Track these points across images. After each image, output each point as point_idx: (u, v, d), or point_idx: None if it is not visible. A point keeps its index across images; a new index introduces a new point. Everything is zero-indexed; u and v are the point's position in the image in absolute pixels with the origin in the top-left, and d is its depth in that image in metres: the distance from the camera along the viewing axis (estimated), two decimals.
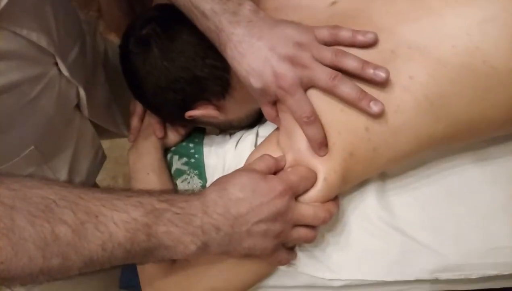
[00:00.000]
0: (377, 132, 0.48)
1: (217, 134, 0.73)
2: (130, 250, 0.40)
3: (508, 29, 0.45)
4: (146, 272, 0.58)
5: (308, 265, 0.57)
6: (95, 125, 0.76)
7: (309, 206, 0.49)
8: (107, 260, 0.40)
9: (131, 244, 0.40)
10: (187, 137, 0.73)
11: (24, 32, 0.51)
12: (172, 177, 0.70)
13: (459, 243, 0.52)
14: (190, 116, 0.62)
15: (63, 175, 0.66)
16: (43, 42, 0.54)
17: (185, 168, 0.70)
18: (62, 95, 0.61)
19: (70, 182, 0.65)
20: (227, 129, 0.71)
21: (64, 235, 0.37)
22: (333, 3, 0.52)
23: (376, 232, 0.55)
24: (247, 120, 0.67)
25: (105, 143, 1.37)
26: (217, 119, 0.64)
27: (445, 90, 0.46)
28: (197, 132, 0.73)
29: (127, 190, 0.43)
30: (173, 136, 0.71)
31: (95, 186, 0.83)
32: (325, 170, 0.49)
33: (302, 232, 0.49)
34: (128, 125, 0.77)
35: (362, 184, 0.57)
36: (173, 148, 0.73)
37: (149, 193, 0.44)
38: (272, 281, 0.58)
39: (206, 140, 0.73)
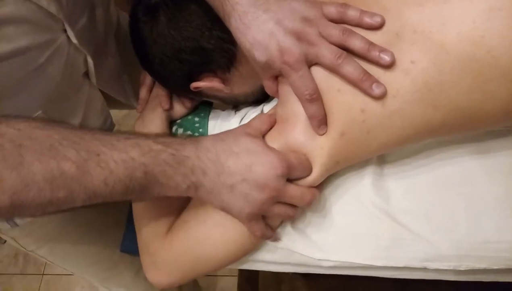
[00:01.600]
0: (373, 114, 0.47)
1: (223, 110, 0.74)
2: (129, 185, 0.43)
3: None
4: (143, 240, 0.60)
5: (300, 243, 0.57)
6: (105, 95, 0.77)
7: (297, 187, 0.49)
8: (108, 194, 0.43)
9: (129, 180, 0.43)
10: (193, 111, 0.74)
11: None
12: None
13: (450, 233, 0.52)
14: (195, 88, 0.63)
15: None
16: (53, 8, 0.55)
17: None
18: (70, 62, 0.62)
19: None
20: (233, 103, 0.71)
21: (69, 170, 0.40)
22: None
23: (369, 217, 0.55)
24: (253, 96, 0.67)
25: (123, 112, 1.39)
26: (222, 92, 0.64)
27: (445, 77, 0.45)
28: (204, 106, 0.74)
29: (126, 133, 0.46)
30: (179, 109, 0.72)
31: None
32: (312, 145, 0.49)
33: (283, 209, 0.50)
34: (137, 97, 0.78)
35: (359, 166, 0.57)
36: (178, 121, 0.73)
37: (146, 135, 0.46)
38: (266, 256, 0.59)
39: (212, 115, 0.74)
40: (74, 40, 0.61)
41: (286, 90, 0.53)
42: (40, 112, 0.59)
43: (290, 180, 0.50)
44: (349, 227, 0.56)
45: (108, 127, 0.78)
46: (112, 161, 0.42)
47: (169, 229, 0.58)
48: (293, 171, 0.48)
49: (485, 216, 0.51)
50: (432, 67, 0.45)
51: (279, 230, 0.58)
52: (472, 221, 0.51)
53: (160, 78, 0.67)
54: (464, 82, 0.45)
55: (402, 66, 0.46)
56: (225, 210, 0.50)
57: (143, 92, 0.73)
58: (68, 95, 0.64)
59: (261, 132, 0.52)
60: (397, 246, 0.53)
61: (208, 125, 0.73)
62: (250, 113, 0.69)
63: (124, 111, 1.43)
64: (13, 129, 0.39)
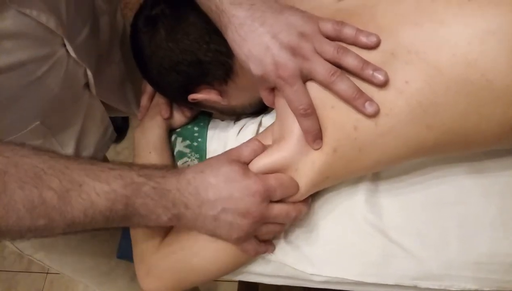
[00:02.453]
0: (365, 133, 0.47)
1: (223, 120, 0.74)
2: (109, 216, 0.44)
3: (509, 44, 0.43)
4: (138, 249, 0.61)
5: (292, 257, 0.57)
6: (106, 103, 0.77)
7: (281, 206, 0.50)
8: (88, 224, 0.43)
9: (110, 212, 0.43)
10: (192, 120, 0.74)
11: (34, 14, 0.52)
12: (174, 157, 0.72)
13: (442, 252, 0.51)
14: (192, 99, 0.63)
15: (70, 149, 0.68)
16: (52, 24, 0.55)
17: (187, 150, 0.72)
18: (69, 75, 0.62)
19: (75, 155, 0.68)
20: (231, 115, 0.71)
21: (50, 199, 0.41)
22: None
23: (361, 233, 0.55)
24: (250, 108, 0.68)
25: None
26: (220, 104, 0.65)
27: (440, 99, 0.45)
28: (204, 116, 0.74)
29: (111, 163, 0.46)
30: (178, 118, 0.72)
31: (104, 160, 0.85)
32: (304, 160, 0.50)
33: (271, 228, 0.50)
34: (139, 105, 0.79)
35: (354, 181, 0.57)
36: (178, 130, 0.74)
37: (130, 166, 0.46)
38: (257, 269, 0.59)
39: (211, 124, 0.74)
40: (73, 55, 0.61)
41: (282, 104, 0.53)
42: (38, 122, 0.60)
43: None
44: (341, 242, 0.56)
45: (109, 137, 0.78)
46: (93, 192, 0.42)
47: (164, 239, 0.59)
48: (273, 193, 0.49)
49: (478, 236, 0.51)
50: (426, 88, 0.45)
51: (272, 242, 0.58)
52: (465, 241, 0.51)
53: (158, 88, 0.68)
54: (459, 104, 0.45)
55: (396, 86, 0.46)
56: (213, 236, 0.51)
57: (144, 100, 0.74)
58: (66, 105, 0.65)
59: (245, 159, 0.51)
60: (388, 263, 0.53)
61: (207, 135, 0.73)
62: (248, 124, 0.70)
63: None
64: (1, 157, 0.40)
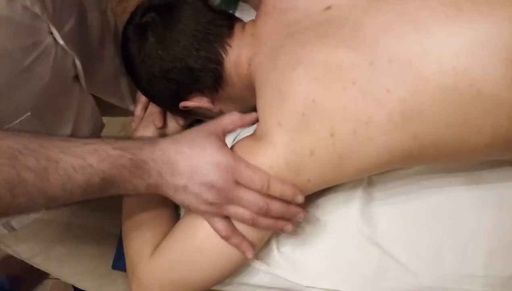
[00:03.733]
0: (343, 140, 0.47)
1: None
2: (86, 189, 0.45)
3: (499, 54, 0.42)
4: (129, 260, 0.60)
5: (287, 269, 0.56)
6: (101, 101, 0.77)
7: (249, 192, 0.48)
8: (67, 198, 0.44)
9: (87, 185, 0.44)
10: (187, 128, 0.74)
11: None
12: None
13: (436, 265, 0.50)
14: (184, 107, 0.62)
15: None
16: (37, 8, 0.55)
17: None
18: (58, 64, 0.62)
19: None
20: None
21: (28, 178, 0.42)
22: (328, 8, 0.51)
23: (355, 245, 0.54)
24: None
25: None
26: (211, 112, 0.64)
27: (425, 108, 0.44)
28: (198, 124, 0.73)
29: (85, 138, 0.47)
30: (172, 126, 0.72)
31: None
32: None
33: (239, 211, 0.50)
34: (134, 100, 0.79)
35: (349, 188, 0.56)
36: None
37: (105, 140, 0.47)
38: (252, 280, 0.58)
39: None
40: (61, 42, 0.61)
41: (261, 104, 0.53)
42: (29, 113, 0.60)
43: None
44: (335, 254, 0.55)
45: (99, 128, 0.78)
46: (70, 168, 0.43)
47: (155, 250, 0.58)
48: (239, 175, 0.48)
49: (472, 249, 0.49)
50: (410, 97, 0.44)
51: (266, 254, 0.57)
52: (459, 254, 0.50)
53: (149, 96, 0.68)
54: (445, 114, 0.44)
55: (375, 95, 0.45)
56: (185, 207, 0.51)
57: (138, 110, 0.73)
58: (57, 98, 0.65)
59: (224, 131, 0.52)
60: (382, 275, 0.52)
61: None
62: (243, 133, 0.69)
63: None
64: None
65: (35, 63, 0.58)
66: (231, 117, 0.52)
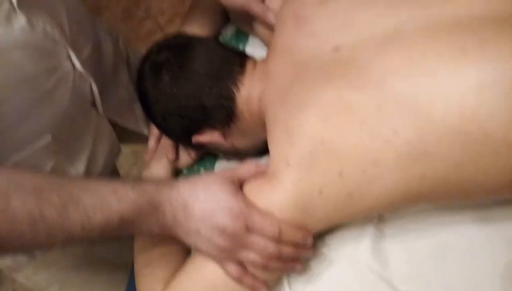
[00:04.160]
0: (352, 179, 0.47)
1: (228, 160, 0.74)
2: (104, 229, 0.46)
3: (506, 97, 0.42)
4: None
5: None
6: (117, 127, 0.79)
7: (259, 238, 0.49)
8: (85, 237, 0.46)
9: (105, 225, 0.46)
10: (199, 161, 0.75)
11: (40, 23, 0.56)
12: None
13: None
14: (196, 142, 0.64)
15: (81, 167, 0.70)
16: (56, 34, 0.58)
17: None
18: (76, 89, 0.64)
19: (85, 173, 0.71)
20: (235, 156, 0.72)
21: (50, 215, 0.43)
22: (336, 49, 0.52)
23: (366, 282, 0.53)
24: (254, 149, 0.68)
25: None
26: (223, 146, 0.65)
27: (432, 149, 0.44)
28: (210, 156, 0.75)
29: (105, 179, 0.49)
30: (185, 159, 0.73)
31: (114, 171, 0.88)
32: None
33: (251, 256, 0.50)
34: (148, 124, 0.81)
35: (360, 224, 0.56)
36: (184, 171, 0.75)
37: (124, 181, 0.49)
38: None
39: (217, 165, 0.75)
40: (79, 67, 0.64)
41: (271, 142, 0.53)
42: (49, 136, 0.62)
43: None
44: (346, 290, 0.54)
45: (115, 153, 0.80)
46: (90, 208, 0.45)
47: (165, 288, 0.58)
48: (251, 224, 0.49)
49: (486, 288, 0.48)
50: (417, 139, 0.44)
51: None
52: None
53: (164, 131, 0.69)
54: (453, 155, 0.44)
55: (383, 136, 0.46)
56: (197, 249, 0.52)
57: (151, 142, 0.75)
58: (76, 122, 0.67)
59: (239, 180, 0.53)
60: None
61: None
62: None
63: None
64: (1, 176, 0.43)
65: (55, 87, 0.61)
66: (247, 167, 0.54)
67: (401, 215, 0.55)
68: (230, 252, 0.50)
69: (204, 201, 0.49)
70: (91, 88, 0.68)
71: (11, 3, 0.53)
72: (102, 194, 0.46)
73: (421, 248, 0.52)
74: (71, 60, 0.63)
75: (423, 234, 0.53)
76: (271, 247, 0.49)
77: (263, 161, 0.69)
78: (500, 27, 0.44)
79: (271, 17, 0.65)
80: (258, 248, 0.49)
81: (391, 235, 0.55)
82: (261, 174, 0.53)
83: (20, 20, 0.54)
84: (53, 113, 0.62)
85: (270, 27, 0.67)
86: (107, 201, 0.46)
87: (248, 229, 0.49)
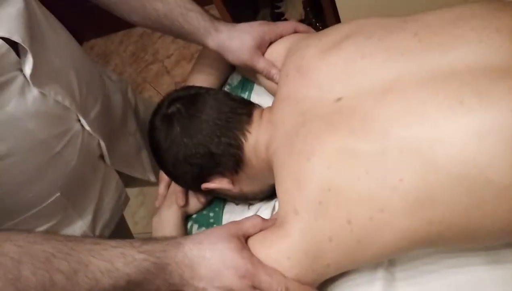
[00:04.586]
0: (360, 226, 0.48)
1: (237, 204, 0.76)
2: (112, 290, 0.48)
3: (505, 145, 0.43)
4: None
5: None
6: (120, 173, 0.81)
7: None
8: None
9: (113, 288, 0.47)
10: (208, 205, 0.77)
11: (52, 94, 0.59)
12: None
13: None
14: (205, 188, 0.66)
15: (88, 218, 0.72)
16: (67, 102, 0.62)
17: None
18: (85, 147, 0.67)
19: (92, 222, 0.72)
20: (243, 201, 0.73)
21: (60, 281, 0.45)
22: (338, 99, 0.54)
23: None
24: (261, 194, 0.70)
25: None
26: (231, 192, 0.67)
27: (438, 195, 0.45)
28: (219, 200, 0.76)
29: (114, 240, 0.50)
30: (194, 204, 0.75)
31: (121, 219, 0.88)
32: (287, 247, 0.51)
33: None
34: (156, 171, 0.83)
35: (370, 269, 0.56)
36: (194, 216, 0.76)
37: (131, 244, 0.50)
38: None
39: (226, 209, 0.76)
40: (87, 128, 0.66)
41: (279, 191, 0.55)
42: (58, 194, 0.64)
43: None
44: None
45: (123, 201, 0.81)
46: (98, 272, 0.46)
47: None
48: (258, 283, 0.50)
49: None
50: (422, 185, 0.45)
51: None
52: None
53: (173, 177, 0.71)
54: (458, 200, 0.45)
55: (388, 184, 0.47)
56: None
57: (161, 188, 0.77)
58: (84, 177, 0.69)
59: (245, 235, 0.54)
60: None
61: (223, 220, 0.75)
62: (262, 209, 0.71)
63: None
64: (15, 247, 0.45)
65: (65, 148, 0.63)
66: (253, 221, 0.55)
67: (412, 257, 0.55)
68: None
69: (210, 261, 0.50)
70: (99, 143, 0.71)
71: (25, 77, 0.56)
72: (110, 257, 0.47)
73: (432, 290, 0.53)
74: (80, 122, 0.66)
75: (434, 276, 0.53)
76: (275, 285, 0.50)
77: (272, 204, 0.71)
78: (495, 77, 0.46)
79: (275, 74, 0.69)
80: None
81: (402, 278, 0.55)
82: (267, 227, 0.54)
83: (33, 92, 0.57)
84: (62, 172, 0.64)
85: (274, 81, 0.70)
86: (114, 265, 0.47)
87: (255, 288, 0.50)
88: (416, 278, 0.55)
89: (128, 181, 0.85)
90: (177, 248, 0.51)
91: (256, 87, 0.83)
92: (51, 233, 0.49)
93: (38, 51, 0.57)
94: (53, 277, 0.44)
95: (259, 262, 0.51)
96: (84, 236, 0.51)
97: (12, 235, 0.47)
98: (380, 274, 0.56)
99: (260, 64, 0.69)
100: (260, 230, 0.55)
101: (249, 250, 0.52)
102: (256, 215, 0.55)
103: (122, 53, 2.34)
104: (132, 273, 0.48)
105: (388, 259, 0.56)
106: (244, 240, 0.53)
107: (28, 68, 0.56)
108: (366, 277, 0.56)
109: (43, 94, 0.59)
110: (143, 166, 0.88)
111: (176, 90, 0.68)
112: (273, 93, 0.73)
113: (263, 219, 0.55)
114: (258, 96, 0.81)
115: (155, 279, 0.49)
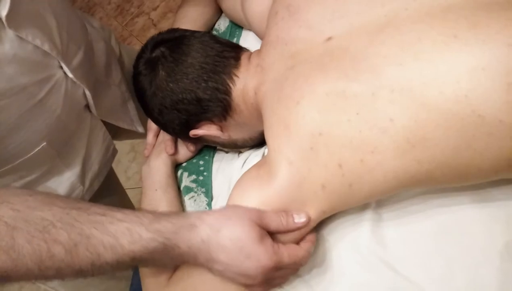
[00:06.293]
0: (351, 170, 0.48)
1: (227, 152, 0.75)
2: (115, 267, 0.45)
3: (500, 80, 0.42)
4: (146, 285, 0.61)
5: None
6: (110, 124, 0.79)
7: (283, 272, 0.50)
8: (96, 272, 0.45)
9: (116, 263, 0.45)
10: (197, 154, 0.76)
11: (29, 38, 0.56)
12: (181, 193, 0.73)
13: (447, 284, 0.50)
14: (194, 135, 0.65)
15: (76, 169, 0.71)
16: (46, 47, 0.59)
17: (193, 185, 0.73)
18: (69, 96, 0.65)
19: (81, 174, 0.71)
20: (233, 148, 0.72)
21: (58, 253, 0.43)
22: (329, 39, 0.52)
23: (366, 265, 0.54)
24: (251, 141, 0.69)
25: None
26: (220, 139, 0.66)
27: (429, 134, 0.45)
28: (208, 149, 0.76)
29: (122, 212, 0.47)
30: (183, 153, 0.74)
31: (110, 173, 0.87)
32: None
33: (277, 282, 0.51)
34: (143, 123, 0.81)
35: (358, 211, 0.57)
36: (184, 164, 0.76)
37: (140, 219, 0.46)
38: None
39: (216, 157, 0.75)
40: (70, 75, 0.64)
41: (269, 138, 0.54)
42: (44, 143, 0.63)
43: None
44: (347, 275, 0.55)
45: (111, 154, 0.81)
46: (101, 246, 0.44)
47: (174, 274, 0.59)
48: (281, 264, 0.48)
49: (484, 268, 0.49)
50: (413, 125, 0.45)
51: None
52: (470, 272, 0.50)
53: (161, 125, 0.70)
54: (450, 140, 0.44)
55: (379, 125, 0.46)
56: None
57: (149, 137, 0.75)
58: (70, 127, 0.68)
59: (266, 226, 0.49)
60: None
61: (212, 168, 0.74)
62: (252, 157, 0.71)
63: None
64: (11, 211, 0.43)
65: (48, 96, 0.61)
66: (278, 219, 0.50)
67: (399, 198, 0.56)
68: (255, 287, 0.50)
69: (230, 251, 0.47)
70: (84, 92, 0.69)
71: (0, 19, 0.53)
72: (114, 232, 0.45)
73: (419, 230, 0.53)
74: (62, 69, 0.63)
75: (421, 216, 0.54)
76: (296, 269, 0.51)
77: (261, 151, 0.70)
78: (492, 10, 0.45)
79: None
80: (286, 275, 0.51)
81: (389, 218, 0.56)
82: (291, 229, 0.51)
83: (9, 35, 0.54)
84: (47, 121, 0.63)
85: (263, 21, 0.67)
86: (119, 241, 0.44)
87: (278, 269, 0.48)
88: (403, 218, 0.55)
89: (116, 132, 0.84)
90: (190, 232, 0.47)
91: (244, 33, 0.81)
92: (54, 196, 0.47)
93: None
94: (51, 248, 0.42)
95: (279, 249, 0.48)
96: (90, 204, 0.48)
97: (11, 196, 0.44)
98: (368, 215, 0.56)
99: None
100: (283, 232, 0.51)
101: (269, 237, 0.49)
102: (282, 212, 0.50)
103: (107, 6, 2.25)
104: (137, 251, 0.45)
105: (376, 200, 0.57)
106: (263, 229, 0.49)
107: (3, 9, 0.53)
108: (354, 219, 0.56)
109: (20, 38, 0.56)
110: (130, 117, 0.86)
111: (160, 33, 0.65)
112: (262, 38, 0.70)
113: (288, 222, 0.50)
114: (247, 42, 0.78)
115: (162, 258, 0.47)
